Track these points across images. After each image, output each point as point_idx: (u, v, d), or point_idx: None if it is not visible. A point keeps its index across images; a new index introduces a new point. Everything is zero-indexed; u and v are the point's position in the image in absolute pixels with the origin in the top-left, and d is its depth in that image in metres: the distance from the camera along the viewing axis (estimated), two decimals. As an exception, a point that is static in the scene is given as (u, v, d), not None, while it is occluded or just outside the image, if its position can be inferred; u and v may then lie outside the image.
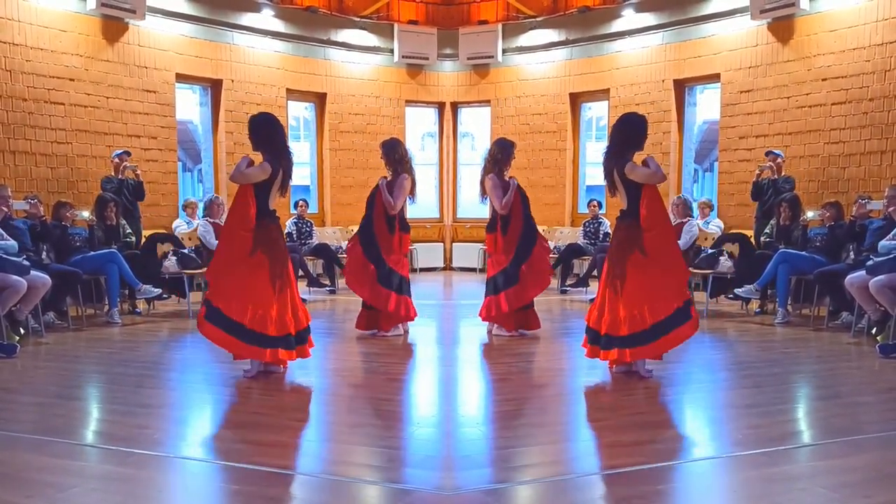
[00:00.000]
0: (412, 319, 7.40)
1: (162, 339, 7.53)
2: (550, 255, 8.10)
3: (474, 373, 6.12)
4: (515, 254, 7.08)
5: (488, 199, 7.35)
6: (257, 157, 5.60)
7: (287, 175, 5.60)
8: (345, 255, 11.01)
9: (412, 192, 7.34)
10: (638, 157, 5.60)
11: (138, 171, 9.71)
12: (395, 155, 7.26)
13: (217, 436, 4.37)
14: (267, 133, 5.55)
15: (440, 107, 14.75)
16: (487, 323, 7.40)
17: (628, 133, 5.54)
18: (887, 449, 3.87)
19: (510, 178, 7.25)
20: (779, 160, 9.51)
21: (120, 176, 9.45)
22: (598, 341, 5.44)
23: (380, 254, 7.12)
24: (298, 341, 5.50)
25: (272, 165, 5.43)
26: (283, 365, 5.58)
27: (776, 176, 9.43)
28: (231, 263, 5.37)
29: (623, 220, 5.50)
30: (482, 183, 7.33)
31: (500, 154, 7.26)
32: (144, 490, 3.37)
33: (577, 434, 4.42)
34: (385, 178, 7.26)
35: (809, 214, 8.83)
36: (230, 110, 12.37)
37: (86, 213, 8.82)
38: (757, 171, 9.69)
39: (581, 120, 13.83)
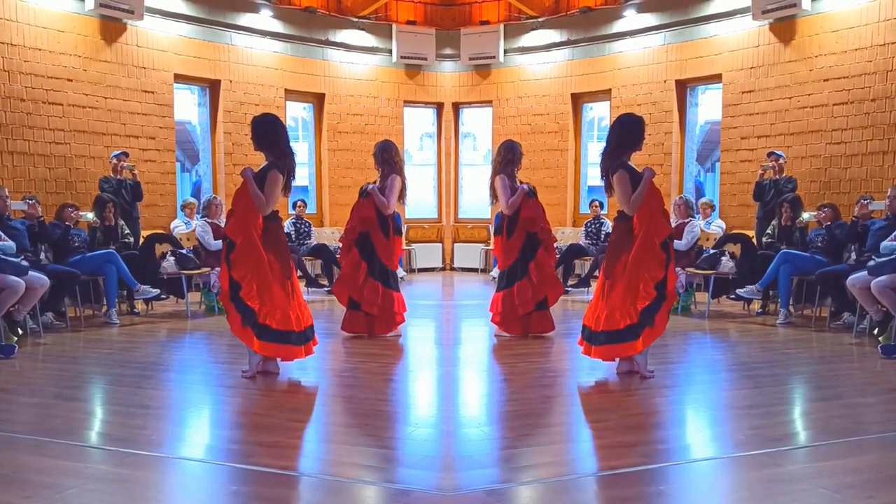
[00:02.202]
0: (404, 310, 7.42)
1: (160, 340, 7.50)
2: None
3: (475, 373, 6.10)
4: (520, 252, 7.09)
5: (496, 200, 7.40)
6: (256, 159, 5.58)
7: (290, 175, 5.60)
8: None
9: (402, 195, 7.35)
10: (638, 159, 5.59)
11: (135, 172, 9.68)
12: (385, 155, 7.29)
13: (215, 436, 4.35)
14: (270, 134, 5.52)
15: (439, 107, 14.74)
16: (494, 325, 7.37)
17: (624, 134, 5.51)
18: (889, 450, 3.84)
19: (522, 183, 7.25)
20: (780, 161, 9.48)
21: (118, 176, 9.42)
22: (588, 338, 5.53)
23: (379, 258, 7.15)
24: (307, 338, 5.56)
25: (279, 170, 5.42)
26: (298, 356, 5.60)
27: (778, 176, 9.40)
28: (250, 265, 5.34)
29: (619, 222, 5.51)
30: (492, 185, 7.33)
31: (511, 155, 7.26)
32: (143, 491, 3.34)
33: (578, 434, 4.39)
34: (371, 183, 7.28)
35: (805, 216, 8.80)
36: (228, 111, 12.35)
37: (90, 215, 8.77)
38: (760, 172, 9.67)
39: (583, 120, 13.83)
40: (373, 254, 7.14)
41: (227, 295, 5.37)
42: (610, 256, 5.51)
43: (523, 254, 7.12)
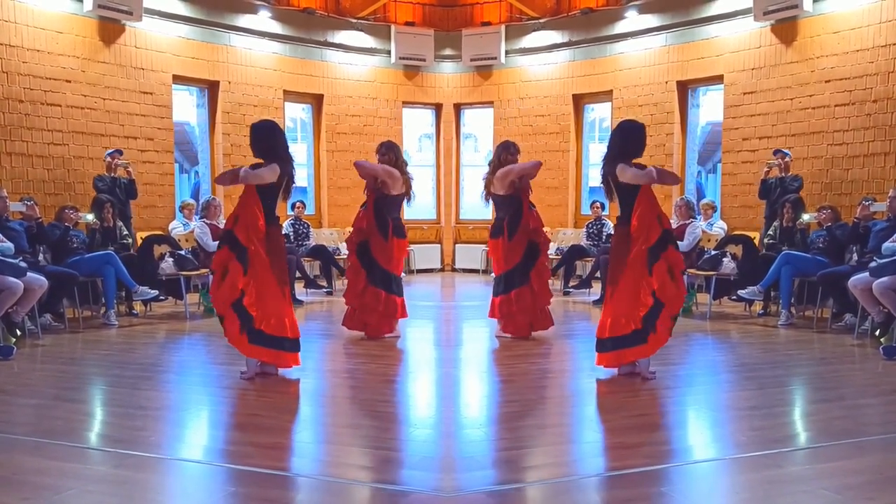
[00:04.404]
0: (405, 317, 7.39)
1: (159, 341, 7.48)
2: (551, 259, 8.10)
3: (475, 374, 6.08)
4: (522, 258, 7.06)
5: (491, 202, 7.34)
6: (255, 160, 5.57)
7: (291, 180, 5.58)
8: (342, 258, 11.05)
9: (408, 194, 7.30)
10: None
11: (130, 169, 9.66)
12: (398, 158, 7.24)
13: (214, 437, 4.33)
14: (269, 140, 5.50)
15: (438, 108, 14.73)
16: (496, 327, 7.34)
17: (626, 140, 5.48)
18: (890, 451, 3.83)
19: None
20: (786, 159, 9.47)
21: (112, 174, 9.40)
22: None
23: (377, 262, 7.10)
24: (297, 348, 5.54)
25: (281, 168, 5.40)
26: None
27: (784, 175, 9.38)
28: (255, 272, 5.32)
29: (618, 227, 5.52)
30: (487, 185, 7.30)
31: (506, 154, 7.22)
32: (142, 492, 3.32)
33: (579, 435, 4.37)
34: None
35: (805, 217, 8.79)
36: (227, 112, 12.33)
37: (90, 217, 8.75)
38: (765, 170, 9.64)
39: (584, 121, 13.82)
40: (372, 260, 7.09)
41: (234, 301, 5.31)
42: (612, 262, 5.52)
43: (524, 261, 7.07)
